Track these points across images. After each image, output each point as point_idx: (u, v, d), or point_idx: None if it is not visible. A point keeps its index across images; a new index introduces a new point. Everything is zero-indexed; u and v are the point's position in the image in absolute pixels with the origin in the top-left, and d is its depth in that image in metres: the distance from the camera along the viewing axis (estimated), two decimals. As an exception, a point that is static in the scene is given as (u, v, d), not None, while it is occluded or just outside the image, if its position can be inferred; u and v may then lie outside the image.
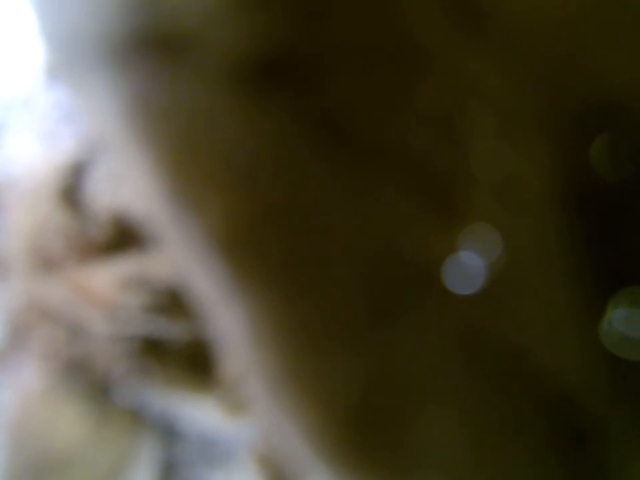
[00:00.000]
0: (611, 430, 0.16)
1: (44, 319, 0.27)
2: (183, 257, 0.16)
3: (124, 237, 0.25)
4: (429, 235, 0.15)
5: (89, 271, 0.26)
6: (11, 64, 0.30)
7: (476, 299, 0.15)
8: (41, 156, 0.27)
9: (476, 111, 0.15)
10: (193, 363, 0.25)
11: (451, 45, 0.15)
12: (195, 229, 0.15)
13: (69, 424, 0.27)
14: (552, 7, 0.16)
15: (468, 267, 0.15)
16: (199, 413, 0.26)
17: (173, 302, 0.25)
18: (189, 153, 0.15)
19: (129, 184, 0.22)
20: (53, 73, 0.28)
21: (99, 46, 0.15)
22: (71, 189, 0.26)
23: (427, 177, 0.15)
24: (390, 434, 0.15)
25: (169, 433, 0.28)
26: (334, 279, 0.15)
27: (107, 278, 0.25)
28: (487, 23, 0.16)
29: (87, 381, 0.27)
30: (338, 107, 0.15)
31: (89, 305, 0.26)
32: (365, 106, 0.15)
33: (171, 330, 0.25)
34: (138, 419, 0.27)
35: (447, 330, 0.15)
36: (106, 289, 0.25)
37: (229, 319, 0.16)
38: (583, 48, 0.16)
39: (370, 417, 0.15)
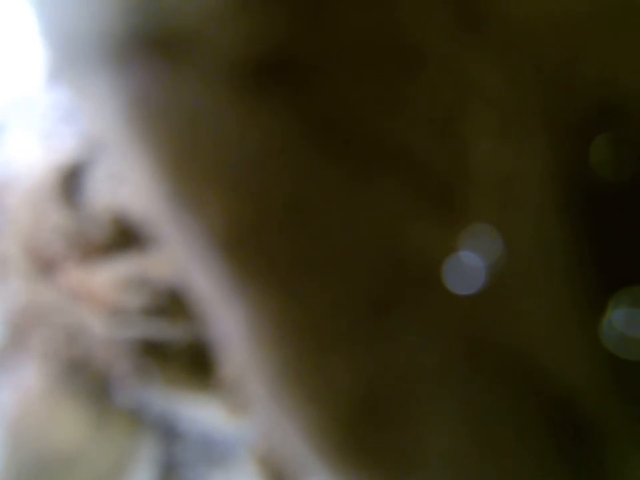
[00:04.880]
0: (610, 429, 0.16)
1: (44, 319, 0.27)
2: (183, 256, 0.16)
3: (124, 237, 0.25)
4: (429, 235, 0.15)
5: (88, 271, 0.26)
6: (11, 64, 0.30)
7: (476, 299, 0.15)
8: (41, 156, 0.27)
9: (476, 110, 0.15)
10: (193, 362, 0.25)
11: (452, 45, 0.15)
12: (196, 228, 0.15)
13: (68, 424, 0.27)
14: (552, 7, 0.16)
15: (468, 267, 0.15)
16: (199, 412, 0.26)
17: (172, 302, 0.25)
18: (190, 152, 0.15)
19: (129, 184, 0.22)
20: (53, 73, 0.28)
21: (99, 46, 0.15)
22: (71, 189, 0.26)
23: (427, 176, 0.15)
24: (391, 433, 0.15)
25: (169, 433, 0.28)
26: (335, 278, 0.15)
27: (107, 278, 0.25)
28: (487, 23, 0.16)
29: (87, 381, 0.27)
30: (338, 106, 0.15)
31: (89, 305, 0.26)
32: (365, 105, 0.15)
33: (171, 330, 0.25)
34: (138, 419, 0.27)
35: (448, 330, 0.15)
36: (106, 289, 0.25)
37: (229, 318, 0.16)
38: (584, 48, 0.16)
39: (371, 416, 0.15)
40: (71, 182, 0.26)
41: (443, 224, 0.15)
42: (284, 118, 0.15)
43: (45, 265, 0.27)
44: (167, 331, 0.25)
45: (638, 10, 0.16)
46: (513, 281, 0.16)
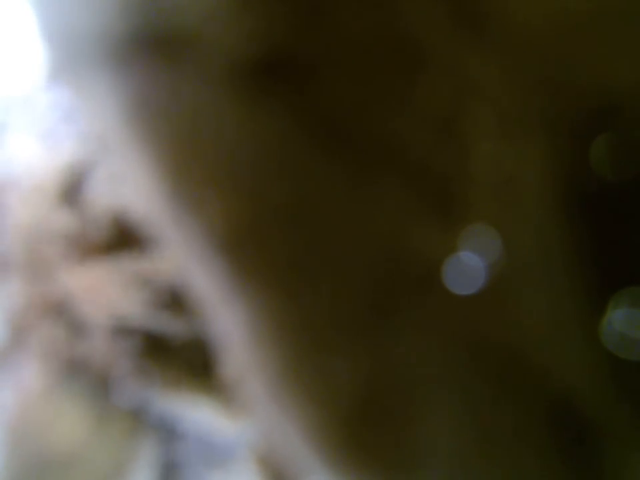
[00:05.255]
0: (610, 429, 0.16)
1: (44, 318, 0.27)
2: (183, 256, 0.16)
3: (124, 237, 0.25)
4: (429, 235, 0.15)
5: (88, 271, 0.26)
6: (11, 64, 0.30)
7: (476, 299, 0.15)
8: (41, 156, 0.27)
9: (476, 110, 0.15)
10: (193, 363, 0.25)
11: (452, 45, 0.15)
12: (195, 228, 0.15)
13: (69, 424, 0.27)
14: (552, 8, 0.16)
15: (468, 267, 0.15)
16: (199, 413, 0.26)
17: (173, 302, 0.25)
18: (190, 152, 0.15)
19: (129, 184, 0.22)
20: (53, 73, 0.28)
21: (99, 46, 0.15)
22: (71, 189, 0.26)
23: (427, 177, 0.15)
24: (392, 433, 0.15)
25: (169, 433, 0.28)
26: (335, 278, 0.15)
27: (106, 278, 0.25)
28: (487, 23, 0.16)
29: (87, 381, 0.27)
30: (338, 106, 0.15)
31: (89, 305, 0.26)
32: (364, 105, 0.15)
33: (171, 330, 0.25)
34: (138, 419, 0.27)
35: (448, 329, 0.15)
36: (106, 290, 0.25)
37: (229, 319, 0.16)
38: (584, 49, 0.16)
39: (372, 416, 0.15)
40: (71, 182, 0.26)
41: (443, 224, 0.15)
42: (284, 118, 0.15)
43: (45, 265, 0.27)
44: (167, 331, 0.25)
45: (638, 10, 0.16)
46: (513, 281, 0.16)
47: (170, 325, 0.25)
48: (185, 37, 0.15)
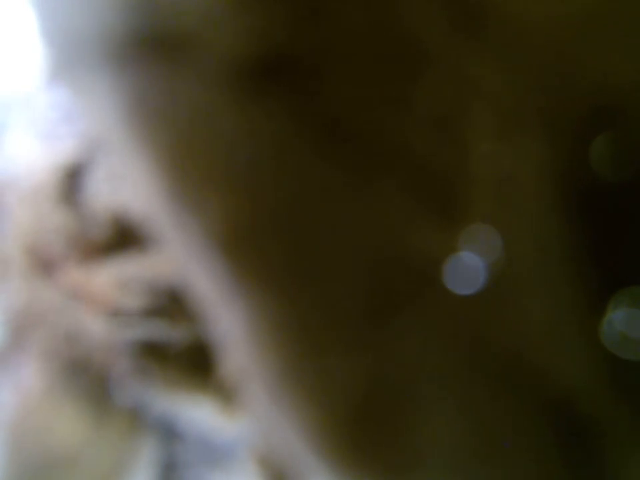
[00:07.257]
0: (610, 429, 0.16)
1: (44, 319, 0.27)
2: (182, 256, 0.16)
3: (124, 237, 0.25)
4: (429, 235, 0.15)
5: (88, 271, 0.26)
6: (11, 64, 0.30)
7: (476, 299, 0.15)
8: (41, 156, 0.27)
9: (476, 111, 0.15)
10: (193, 363, 0.25)
11: (451, 45, 0.15)
12: (195, 228, 0.15)
13: (68, 424, 0.27)
14: (552, 8, 0.16)
15: (468, 267, 0.15)
16: (199, 413, 0.26)
17: (172, 302, 0.25)
18: (189, 153, 0.15)
19: (128, 184, 0.22)
20: (53, 73, 0.28)
21: (98, 46, 0.15)
22: (71, 189, 0.26)
23: (427, 177, 0.15)
24: (391, 433, 0.15)
25: (169, 433, 0.28)
26: (334, 278, 0.15)
27: (106, 278, 0.25)
28: (487, 24, 0.16)
29: (87, 381, 0.27)
30: (337, 106, 0.15)
31: (89, 306, 0.26)
32: (364, 106, 0.15)
33: (171, 330, 0.25)
34: (138, 419, 0.27)
35: (447, 330, 0.15)
36: (106, 290, 0.25)
37: (228, 319, 0.16)
38: (583, 49, 0.16)
39: (370, 416, 0.15)
40: (70, 182, 0.26)
41: (443, 224, 0.15)
42: (282, 118, 0.15)
43: (44, 265, 0.27)
44: (167, 331, 0.25)
45: (637, 11, 0.16)
46: (513, 281, 0.15)
47: (170, 325, 0.25)
48: (183, 38, 0.15)
